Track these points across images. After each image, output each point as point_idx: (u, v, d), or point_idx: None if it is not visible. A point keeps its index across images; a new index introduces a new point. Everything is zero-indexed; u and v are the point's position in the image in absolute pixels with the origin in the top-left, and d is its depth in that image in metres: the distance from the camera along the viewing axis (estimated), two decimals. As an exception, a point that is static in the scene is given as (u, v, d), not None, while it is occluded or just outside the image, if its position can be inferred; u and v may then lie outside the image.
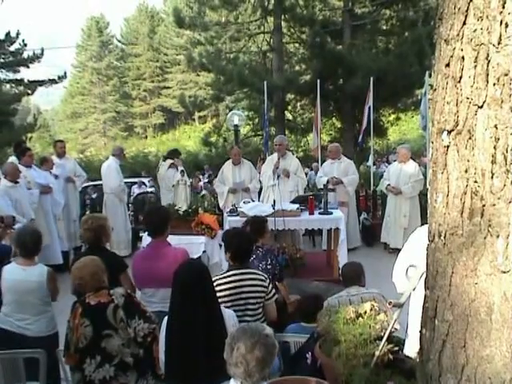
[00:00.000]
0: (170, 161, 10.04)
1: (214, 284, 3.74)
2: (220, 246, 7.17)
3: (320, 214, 7.78)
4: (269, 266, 5.03)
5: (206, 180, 20.65)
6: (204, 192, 9.33)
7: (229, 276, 4.16)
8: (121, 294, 3.59)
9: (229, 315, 3.56)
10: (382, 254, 9.79)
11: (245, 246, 4.32)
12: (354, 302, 3.75)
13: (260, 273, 4.30)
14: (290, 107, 24.12)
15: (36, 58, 26.17)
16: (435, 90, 1.97)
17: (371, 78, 12.65)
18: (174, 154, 10.30)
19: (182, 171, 9.10)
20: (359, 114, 18.89)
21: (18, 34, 26.49)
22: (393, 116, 24.58)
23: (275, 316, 4.32)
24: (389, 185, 9.96)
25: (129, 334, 3.48)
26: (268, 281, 4.24)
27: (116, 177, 9.94)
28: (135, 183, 18.67)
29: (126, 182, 10.72)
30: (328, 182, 9.75)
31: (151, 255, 4.50)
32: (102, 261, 3.81)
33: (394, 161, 11.03)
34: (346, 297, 4.17)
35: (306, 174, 15.83)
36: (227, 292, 4.03)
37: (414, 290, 2.78)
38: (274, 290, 4.30)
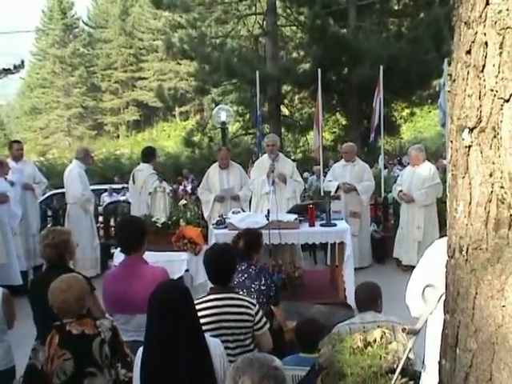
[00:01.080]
0: (146, 165, 9.99)
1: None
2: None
3: (322, 225, 7.76)
4: (263, 287, 5.01)
5: (190, 186, 20.63)
6: (184, 201, 9.21)
7: (206, 301, 4.12)
8: (108, 328, 3.56)
9: (214, 344, 3.51)
10: (394, 272, 9.78)
11: (226, 265, 4.27)
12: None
13: (245, 298, 4.23)
14: (286, 101, 24.21)
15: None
16: (454, 80, 1.96)
17: (381, 67, 12.71)
18: (150, 154, 10.26)
19: (160, 176, 9.03)
20: (367, 109, 18.96)
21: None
22: (406, 111, 24.71)
23: (270, 348, 4.23)
24: (401, 191, 9.98)
25: (111, 376, 3.47)
26: (256, 307, 4.16)
27: (78, 184, 9.88)
28: (105, 191, 18.60)
29: (94, 190, 10.65)
30: (339, 187, 9.81)
31: (125, 275, 4.46)
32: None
33: (408, 163, 11.07)
34: (359, 324, 4.07)
35: (305, 180, 15.88)
36: (205, 320, 3.92)
37: (431, 314, 2.77)
38: (264, 318, 4.22)
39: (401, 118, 24.80)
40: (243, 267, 5.10)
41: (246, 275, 5.03)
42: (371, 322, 4.03)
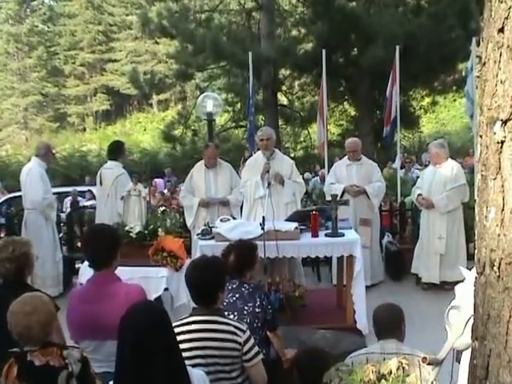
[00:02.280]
0: (115, 163, 9.96)
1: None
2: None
3: (327, 235, 7.73)
4: (257, 310, 5.01)
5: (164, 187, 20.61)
6: (162, 207, 9.23)
7: (186, 324, 4.12)
8: (77, 359, 3.55)
9: (198, 377, 3.51)
10: (412, 291, 9.78)
11: (212, 282, 4.23)
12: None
13: (233, 323, 4.18)
14: (284, 88, 24.25)
15: None
16: (485, 63, 1.95)
17: (397, 47, 12.69)
18: (118, 149, 10.23)
19: (135, 177, 9.00)
20: (380, 97, 18.95)
21: None
22: (427, 100, 24.76)
23: (265, 382, 4.24)
24: (420, 195, 9.94)
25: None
26: (245, 335, 4.11)
27: (39, 186, 9.83)
28: (69, 194, 18.52)
29: (56, 193, 10.58)
30: (345, 191, 9.81)
31: (94, 295, 4.44)
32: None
33: (429, 162, 11.09)
34: (379, 355, 4.03)
35: (307, 181, 15.86)
36: (184, 346, 3.88)
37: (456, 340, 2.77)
38: (256, 348, 4.17)
39: (420, 109, 24.82)
40: (234, 286, 5.12)
41: (237, 295, 5.03)
42: (393, 353, 3.90)
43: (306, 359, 4.51)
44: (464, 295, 2.96)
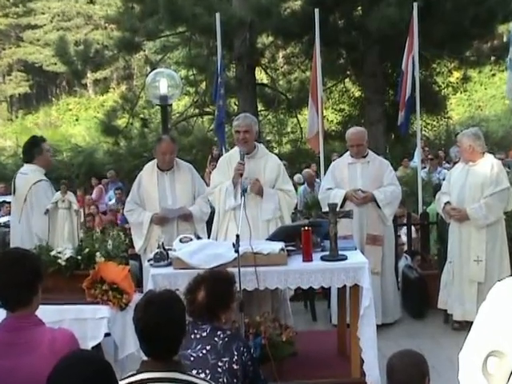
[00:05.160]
0: (33, 167, 9.94)
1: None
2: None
3: (324, 259, 7.68)
4: (235, 366, 5.04)
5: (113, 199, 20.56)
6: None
7: (135, 383, 4.09)
8: None
9: None
10: (439, 333, 9.77)
11: (169, 327, 4.19)
12: None
13: (201, 382, 4.16)
14: (265, 61, 24.23)
15: None
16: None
17: (414, 5, 12.73)
18: (32, 148, 10.21)
19: (66, 185, 8.94)
20: (393, 72, 19.00)
21: None
22: (456, 75, 24.88)
23: None
24: (447, 203, 9.89)
25: None
26: None
27: None
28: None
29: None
30: (347, 199, 9.83)
31: (7, 344, 4.39)
32: None
33: (459, 158, 11.14)
34: None
35: (296, 188, 15.87)
36: None
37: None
38: None
39: (447, 87, 24.95)
40: (204, 333, 5.17)
41: (208, 347, 5.06)
42: None
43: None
44: (509, 337, 2.97)
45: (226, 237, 8.57)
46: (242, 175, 8.55)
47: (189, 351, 5.04)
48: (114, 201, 20.48)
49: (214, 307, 5.24)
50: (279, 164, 9.23)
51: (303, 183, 18.73)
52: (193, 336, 5.15)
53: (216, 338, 5.10)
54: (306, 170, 17.37)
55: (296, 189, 15.27)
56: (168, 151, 9.43)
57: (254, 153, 8.95)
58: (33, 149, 9.88)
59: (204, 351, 5.00)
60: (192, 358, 4.81)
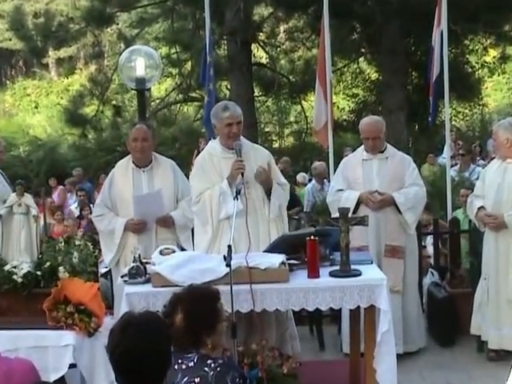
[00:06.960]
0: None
1: None
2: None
3: (334, 274, 7.33)
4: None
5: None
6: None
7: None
8: None
9: None
10: (472, 363, 9.32)
11: (150, 357, 4.11)
12: None
13: None
14: (262, 36, 24.14)
15: None
16: None
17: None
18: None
19: (23, 185, 8.32)
20: (417, 50, 18.29)
21: None
22: (492, 53, 24.73)
23: None
24: (481, 208, 9.31)
25: None
26: None
27: None
28: None
29: None
30: (361, 202, 9.33)
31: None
32: None
33: (494, 156, 10.61)
34: None
35: (299, 188, 15.34)
36: None
37: None
38: None
39: (482, 67, 24.65)
40: (191, 363, 4.99)
41: (197, 379, 4.85)
42: None
43: None
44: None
45: (219, 250, 7.93)
46: (242, 175, 8.08)
47: None
48: (76, 204, 20.41)
49: (196, 330, 5.09)
50: (268, 154, 8.87)
51: (309, 181, 18.71)
52: (177, 367, 4.99)
53: (206, 368, 4.92)
54: (319, 162, 17.26)
55: (299, 190, 15.91)
56: (140, 136, 8.91)
57: (244, 146, 8.49)
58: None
59: None
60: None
